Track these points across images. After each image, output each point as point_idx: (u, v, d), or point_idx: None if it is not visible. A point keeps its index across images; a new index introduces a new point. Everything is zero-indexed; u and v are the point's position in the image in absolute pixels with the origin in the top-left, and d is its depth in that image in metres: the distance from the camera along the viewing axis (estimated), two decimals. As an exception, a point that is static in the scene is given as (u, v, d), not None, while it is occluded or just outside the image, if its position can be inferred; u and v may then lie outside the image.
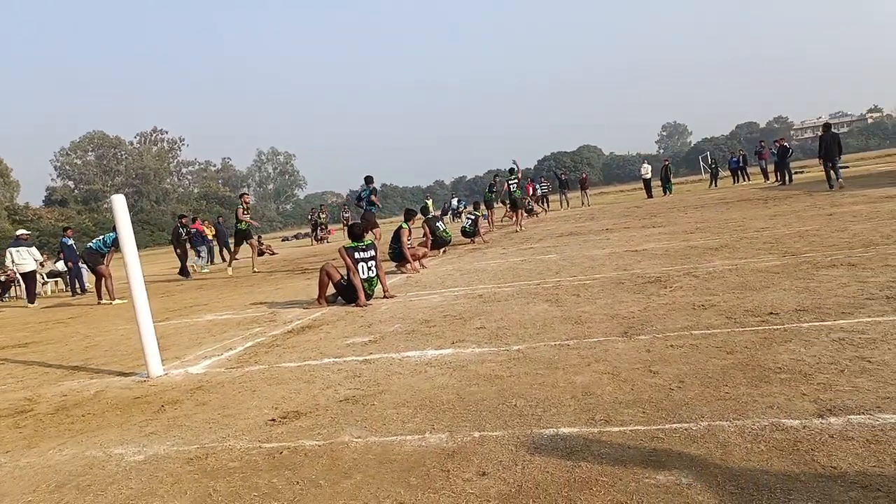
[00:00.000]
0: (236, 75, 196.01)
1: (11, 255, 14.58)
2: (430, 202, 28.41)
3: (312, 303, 7.40)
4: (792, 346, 3.39)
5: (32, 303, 14.21)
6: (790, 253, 6.51)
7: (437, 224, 12.74)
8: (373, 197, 13.19)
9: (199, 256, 19.23)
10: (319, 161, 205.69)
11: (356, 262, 6.98)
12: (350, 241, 7.21)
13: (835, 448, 2.21)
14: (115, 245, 11.55)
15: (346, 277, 7.07)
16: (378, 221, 13.28)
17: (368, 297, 7.03)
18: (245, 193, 16.06)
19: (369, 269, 7.07)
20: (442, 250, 12.62)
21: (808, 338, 3.51)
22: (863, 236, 6.94)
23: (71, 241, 15.24)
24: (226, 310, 8.26)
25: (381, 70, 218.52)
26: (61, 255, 17.97)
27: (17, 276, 16.63)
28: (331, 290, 7.31)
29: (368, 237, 7.40)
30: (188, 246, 17.82)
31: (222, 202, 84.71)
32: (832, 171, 15.95)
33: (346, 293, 7.10)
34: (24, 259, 14.44)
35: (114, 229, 12.00)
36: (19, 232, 15.74)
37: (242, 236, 14.91)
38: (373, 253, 7.13)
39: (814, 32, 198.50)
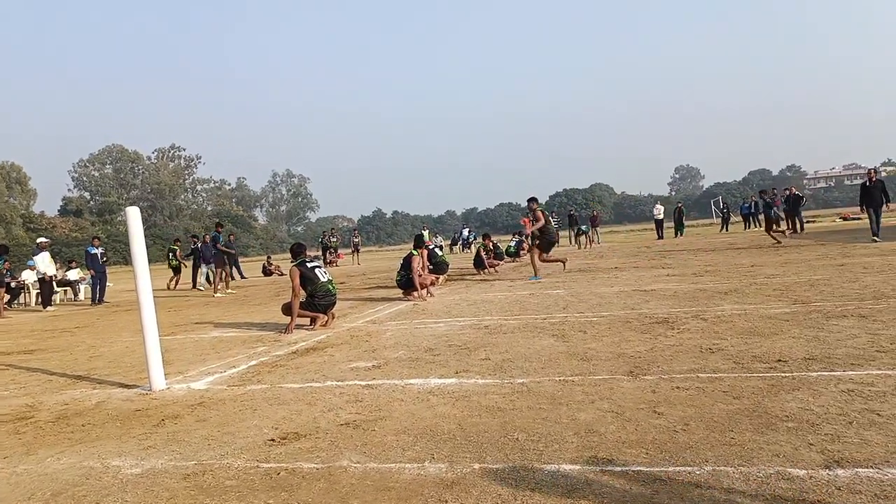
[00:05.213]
0: (255, 97, 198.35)
1: (37, 262, 15.00)
2: (426, 232, 28.55)
3: (314, 325, 7.41)
4: (800, 395, 3.35)
5: (47, 307, 14.51)
6: (800, 301, 6.47)
7: (434, 250, 13.43)
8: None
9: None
10: (332, 185, 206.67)
11: (312, 269, 7.41)
12: (296, 259, 7.62)
13: (842, 500, 2.17)
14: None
15: (306, 297, 7.42)
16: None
17: (332, 294, 7.49)
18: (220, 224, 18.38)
19: (324, 273, 7.57)
20: (441, 277, 12.68)
21: (816, 387, 3.47)
22: (874, 288, 6.89)
23: (96, 251, 15.37)
24: (231, 327, 8.26)
25: (393, 98, 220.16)
26: (72, 265, 18.15)
27: (28, 283, 16.87)
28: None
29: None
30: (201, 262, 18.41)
31: (235, 221, 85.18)
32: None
33: (310, 308, 7.45)
34: (49, 265, 15.00)
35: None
36: (41, 239, 16.11)
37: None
38: (319, 263, 7.84)
39: (830, 83, 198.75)
